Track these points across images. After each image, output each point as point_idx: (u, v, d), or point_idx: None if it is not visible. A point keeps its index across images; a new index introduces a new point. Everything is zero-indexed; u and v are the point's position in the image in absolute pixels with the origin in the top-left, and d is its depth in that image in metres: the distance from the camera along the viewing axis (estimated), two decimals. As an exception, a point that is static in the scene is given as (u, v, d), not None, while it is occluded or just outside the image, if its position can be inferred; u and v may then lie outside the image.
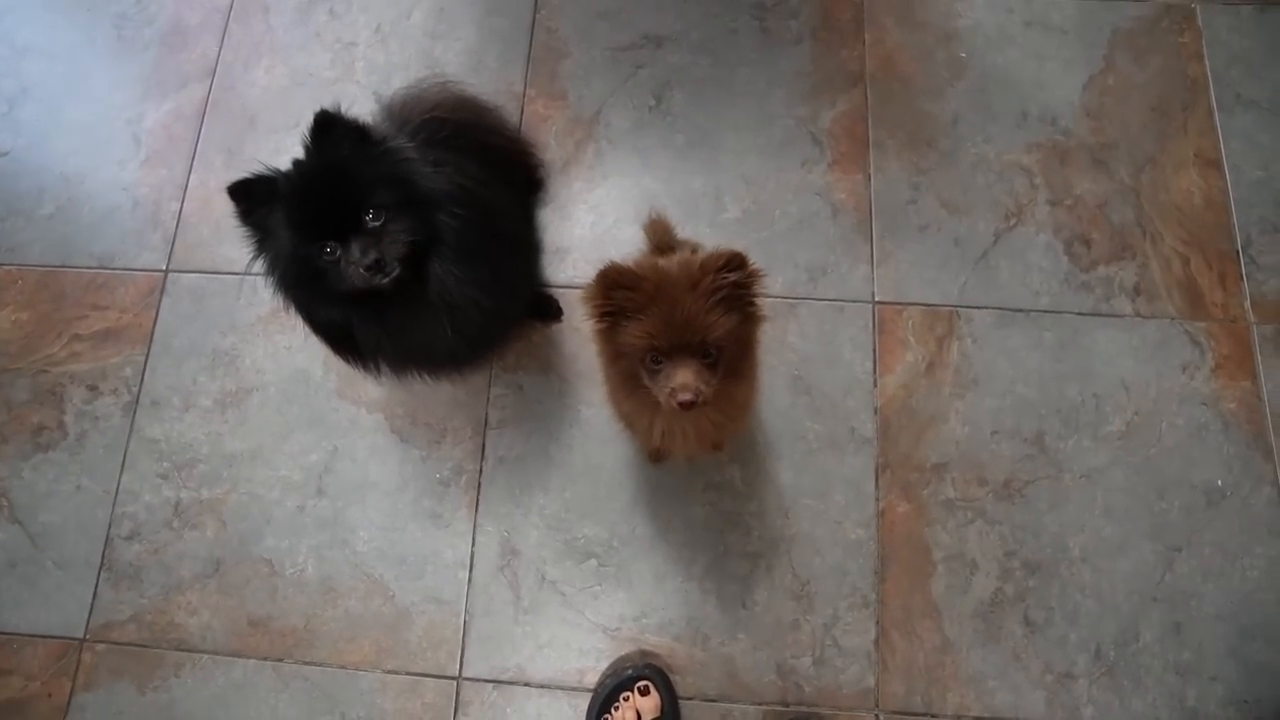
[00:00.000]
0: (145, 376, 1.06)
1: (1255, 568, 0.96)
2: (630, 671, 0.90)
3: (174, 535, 1.00)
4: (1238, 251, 1.07)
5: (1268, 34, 1.17)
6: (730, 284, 0.58)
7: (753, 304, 0.63)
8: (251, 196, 0.67)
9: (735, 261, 0.59)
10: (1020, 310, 1.06)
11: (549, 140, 1.14)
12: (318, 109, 0.68)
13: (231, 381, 1.06)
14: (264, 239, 0.70)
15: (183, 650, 0.96)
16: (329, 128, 0.68)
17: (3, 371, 1.06)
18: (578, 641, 0.95)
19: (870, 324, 1.06)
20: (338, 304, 0.71)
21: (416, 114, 0.82)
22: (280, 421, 1.04)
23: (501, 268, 0.79)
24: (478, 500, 1.00)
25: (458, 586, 0.97)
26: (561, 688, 0.93)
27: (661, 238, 0.90)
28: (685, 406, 0.59)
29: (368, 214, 0.66)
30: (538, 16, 1.20)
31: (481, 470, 1.02)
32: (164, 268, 1.10)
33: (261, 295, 1.08)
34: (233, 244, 1.10)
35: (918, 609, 0.96)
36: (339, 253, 0.66)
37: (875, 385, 1.04)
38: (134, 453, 1.03)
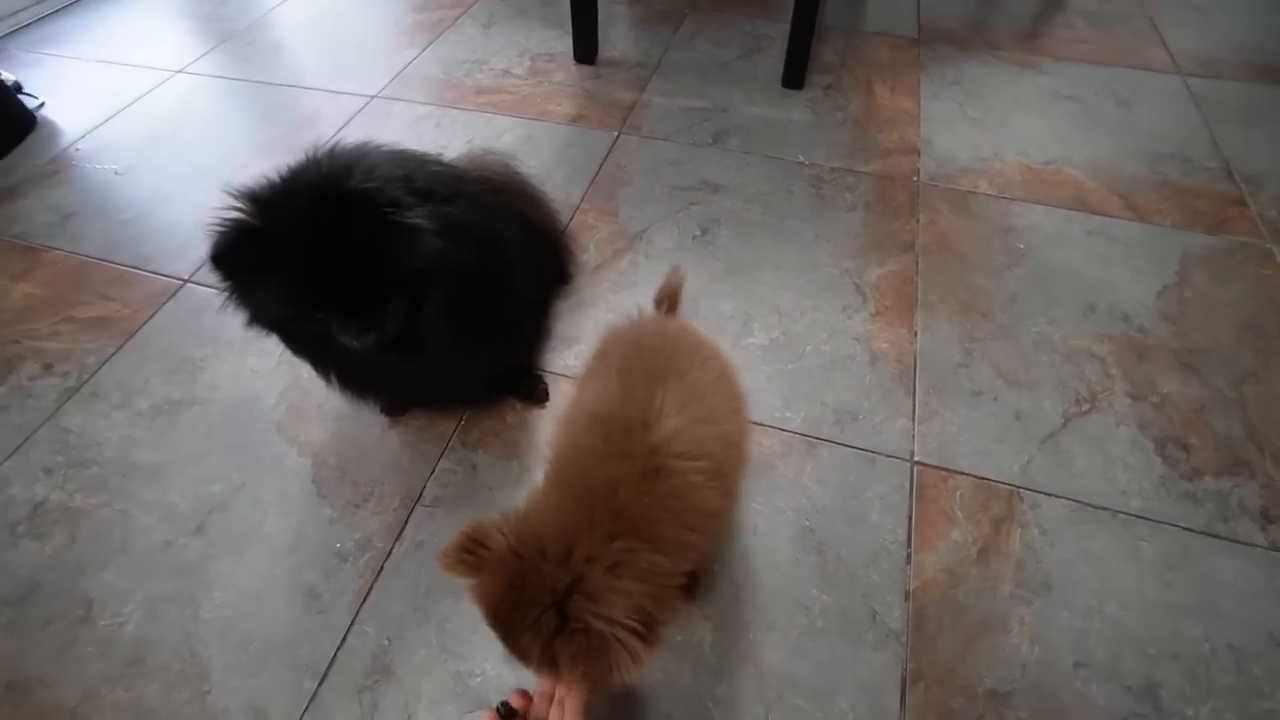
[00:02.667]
0: (103, 368, 0.92)
1: None
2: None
3: (9, 540, 0.76)
4: (1402, 497, 0.78)
5: (1368, 279, 1.01)
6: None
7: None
8: (234, 258, 0.57)
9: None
10: (1104, 508, 0.78)
11: (589, 244, 1.08)
12: (330, 159, 0.59)
13: (180, 391, 0.90)
14: (242, 290, 0.60)
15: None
16: (343, 201, 0.56)
17: (-18, 335, 0.97)
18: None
19: (907, 485, 0.80)
20: (326, 335, 0.61)
21: (471, 169, 0.80)
22: (202, 442, 0.85)
23: (486, 333, 0.72)
24: (371, 588, 0.73)
25: (295, 701, 0.65)
26: None
27: (673, 291, 0.78)
28: None
29: (375, 293, 0.58)
30: (611, 154, 1.24)
31: (390, 553, 0.75)
32: (185, 278, 1.04)
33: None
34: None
35: None
36: (334, 324, 0.59)
37: (909, 561, 0.74)
38: (38, 439, 0.85)
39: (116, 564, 0.74)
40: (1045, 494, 0.79)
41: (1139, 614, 0.70)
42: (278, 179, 0.58)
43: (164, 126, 1.35)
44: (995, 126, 1.30)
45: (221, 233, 0.55)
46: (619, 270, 1.04)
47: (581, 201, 1.14)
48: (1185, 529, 0.76)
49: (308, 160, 0.59)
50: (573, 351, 0.94)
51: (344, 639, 0.69)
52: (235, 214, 0.56)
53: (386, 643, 0.69)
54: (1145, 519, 0.77)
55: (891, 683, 0.66)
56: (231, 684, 0.66)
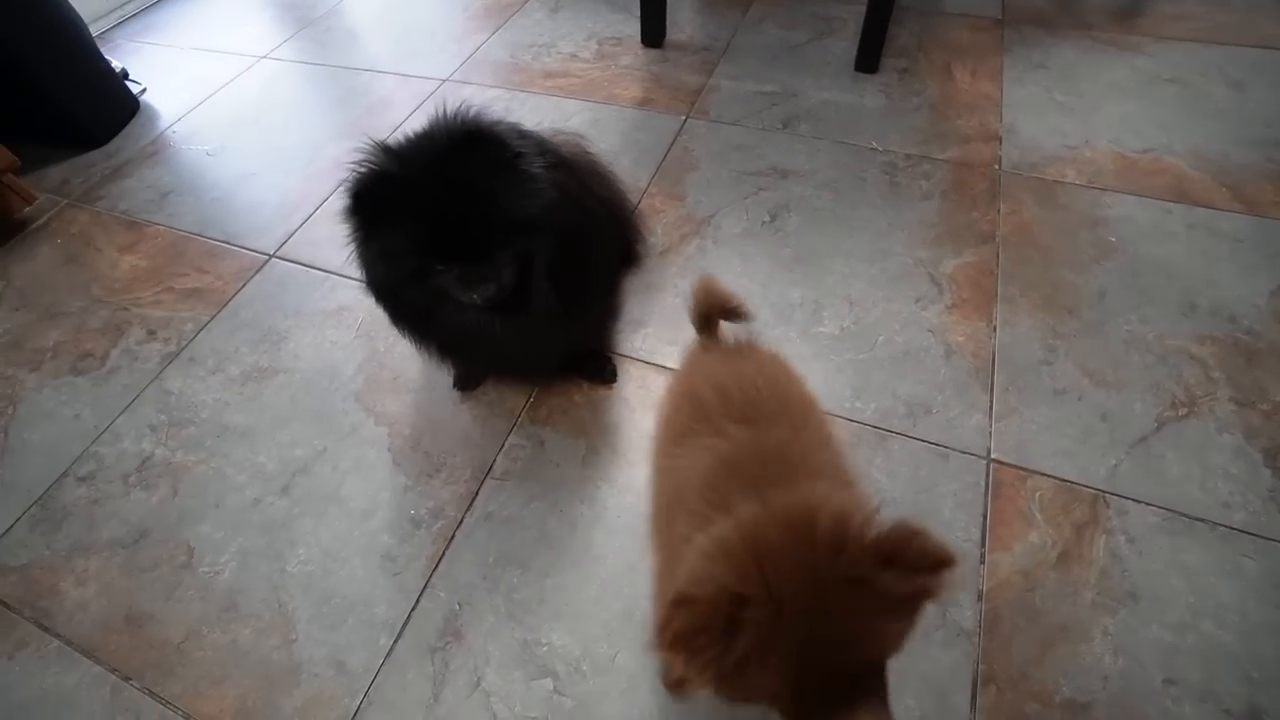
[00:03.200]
0: (199, 335, 0.99)
1: None
2: None
3: (122, 490, 0.83)
4: None
5: None
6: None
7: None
8: (372, 201, 0.59)
9: (934, 559, 0.33)
10: (1202, 520, 0.74)
11: (656, 228, 1.08)
12: (462, 112, 0.61)
13: (267, 359, 0.95)
14: (370, 238, 0.62)
15: (38, 625, 0.72)
16: (475, 144, 0.59)
17: (97, 301, 1.05)
18: (485, 796, 0.61)
19: (983, 483, 0.78)
20: (431, 302, 0.65)
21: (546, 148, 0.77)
22: (288, 408, 0.90)
23: (584, 290, 0.74)
24: (443, 554, 0.76)
25: (372, 655, 0.69)
26: None
27: (712, 302, 0.63)
28: None
29: (493, 242, 0.60)
30: (679, 138, 1.23)
31: (462, 522, 0.78)
32: (270, 253, 1.10)
33: (338, 293, 1.04)
34: (337, 248, 1.10)
35: None
36: (454, 272, 0.60)
37: (982, 560, 0.72)
38: (145, 398, 0.92)
39: (213, 517, 0.80)
40: (1134, 500, 0.75)
41: (1240, 634, 0.66)
42: (411, 135, 0.61)
43: (250, 110, 1.43)
44: (1086, 112, 1.22)
45: (361, 176, 0.58)
46: (686, 255, 1.04)
47: (649, 185, 1.14)
48: (1294, 546, 0.71)
49: (436, 118, 0.62)
50: (640, 334, 0.95)
51: (417, 601, 0.72)
52: (371, 164, 0.59)
53: (457, 608, 0.71)
54: (1250, 534, 0.72)
55: (962, 683, 0.64)
56: (315, 636, 0.70)
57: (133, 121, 1.42)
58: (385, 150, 0.60)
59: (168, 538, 0.78)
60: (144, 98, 1.49)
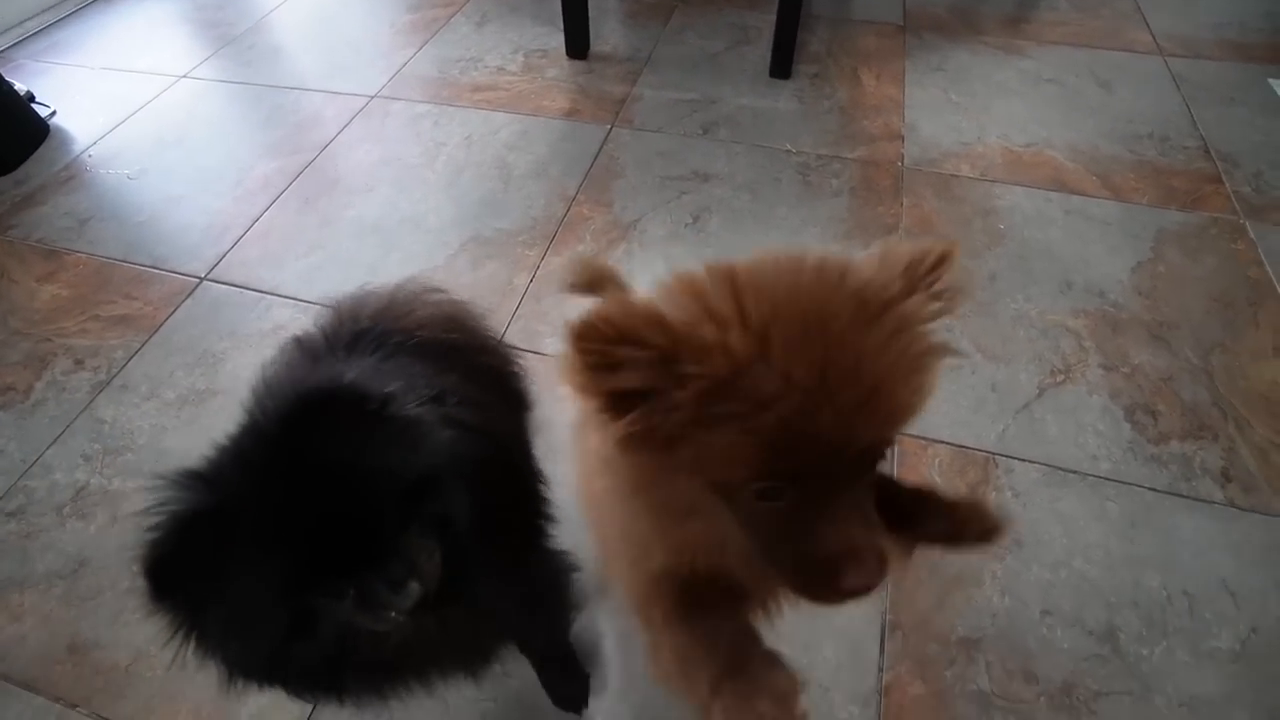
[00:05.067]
0: (131, 361, 0.99)
1: None
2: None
3: (56, 522, 0.83)
4: (1355, 454, 0.84)
5: (1335, 250, 1.07)
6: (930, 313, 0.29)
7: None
8: (186, 565, 0.39)
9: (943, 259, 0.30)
10: (1074, 472, 0.85)
11: (585, 235, 1.14)
12: (305, 392, 0.42)
13: (204, 381, 0.97)
14: (203, 617, 0.41)
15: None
16: (320, 414, 0.41)
17: (17, 333, 1.04)
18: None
19: (889, 454, 0.87)
20: (337, 650, 0.42)
21: (397, 325, 0.60)
22: (229, 429, 0.92)
23: (522, 535, 0.55)
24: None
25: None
26: None
27: (593, 277, 0.57)
28: (860, 592, 0.27)
29: (398, 534, 0.41)
30: (605, 147, 1.30)
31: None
32: (202, 275, 1.11)
33: (274, 313, 1.06)
34: (270, 268, 1.12)
35: None
36: (351, 595, 0.40)
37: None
38: (75, 429, 0.92)
39: (154, 541, 0.81)
40: (1019, 459, 0.86)
41: (1103, 567, 0.77)
42: (227, 439, 0.43)
43: (172, 131, 1.42)
44: (978, 111, 1.35)
45: (157, 538, 0.38)
46: (614, 258, 1.10)
47: (577, 194, 1.21)
48: (1150, 489, 0.83)
49: (260, 398, 0.47)
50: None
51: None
52: (172, 509, 0.38)
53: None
54: (1113, 480, 0.83)
55: (872, 633, 0.73)
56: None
57: (43, 146, 1.39)
58: (189, 479, 0.40)
59: (110, 564, 0.80)
60: (54, 121, 1.45)
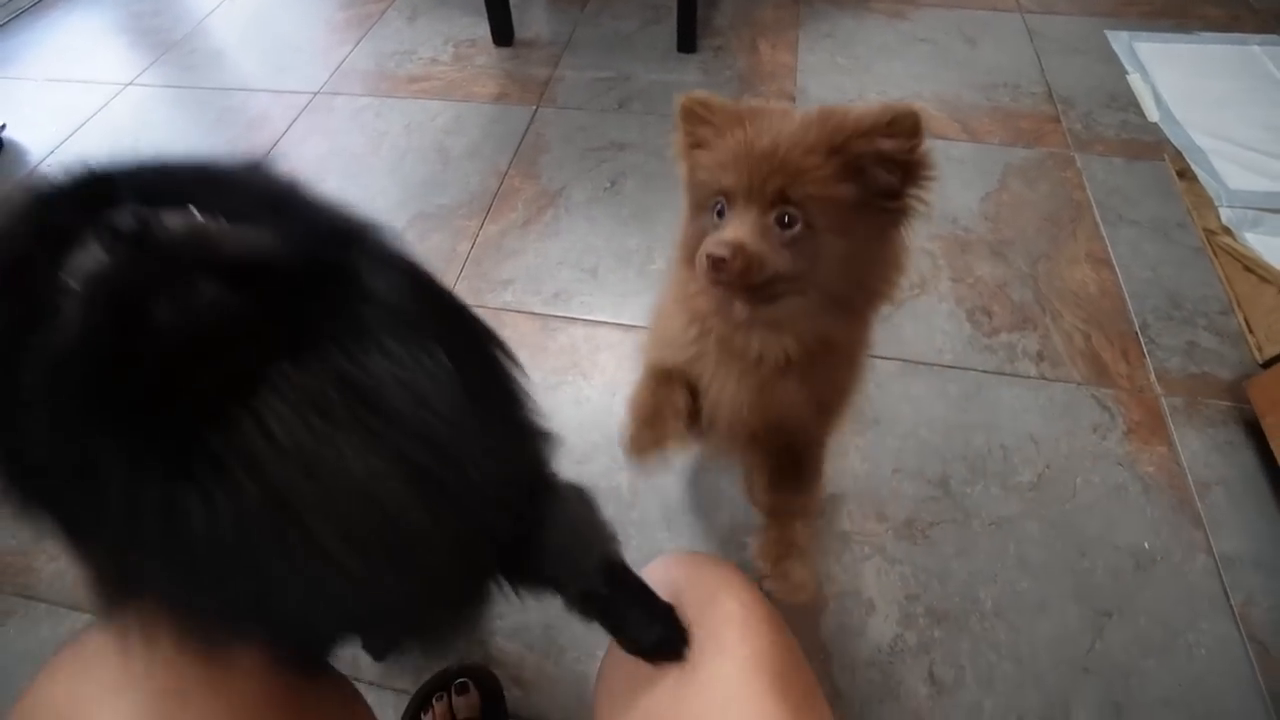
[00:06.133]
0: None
1: (1203, 645, 0.79)
2: (451, 667, 0.77)
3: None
4: (1136, 332, 1.06)
5: (1136, 178, 1.28)
6: (874, 151, 0.38)
7: (902, 196, 0.40)
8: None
9: (900, 124, 0.38)
10: (923, 363, 1.05)
11: (518, 205, 1.30)
12: None
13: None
14: None
15: (22, 596, 0.88)
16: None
17: None
18: (424, 632, 0.83)
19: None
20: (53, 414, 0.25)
21: None
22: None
23: (479, 373, 0.35)
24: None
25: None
26: (388, 687, 0.79)
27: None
28: (714, 265, 0.38)
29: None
30: (532, 125, 1.44)
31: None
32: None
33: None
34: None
35: (804, 647, 0.80)
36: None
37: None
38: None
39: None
40: (881, 357, 1.05)
41: (941, 434, 0.97)
42: None
43: (125, 137, 1.51)
44: (861, 72, 1.53)
45: None
46: (544, 223, 1.26)
47: (508, 169, 1.36)
48: (981, 371, 1.03)
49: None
50: (509, 290, 1.17)
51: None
52: None
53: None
54: (953, 367, 1.04)
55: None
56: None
57: None
58: None
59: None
60: (5, 135, 1.53)
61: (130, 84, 1.65)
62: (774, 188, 0.38)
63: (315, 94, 1.57)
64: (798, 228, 0.39)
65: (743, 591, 0.43)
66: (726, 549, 0.88)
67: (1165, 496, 0.90)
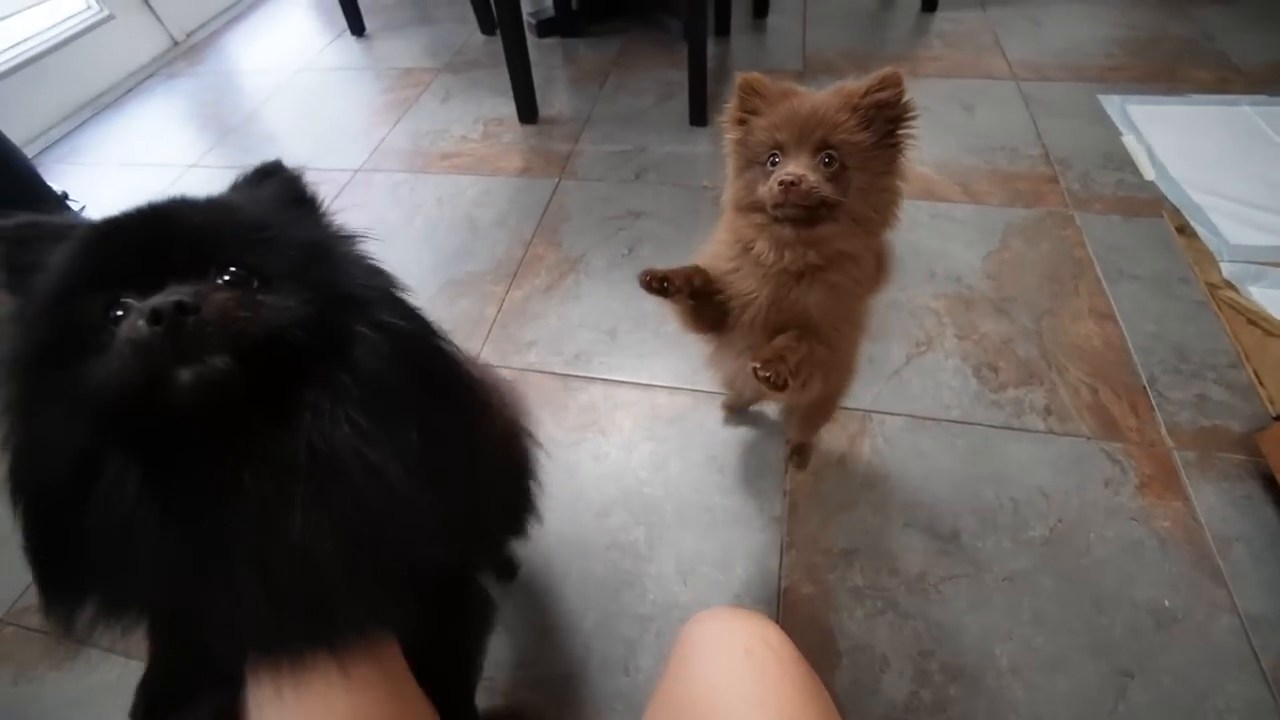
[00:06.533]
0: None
1: (1233, 710, 0.77)
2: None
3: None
4: (1144, 385, 1.08)
5: (1135, 234, 1.32)
6: (874, 103, 0.54)
7: (897, 134, 0.56)
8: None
9: (887, 81, 0.54)
10: (931, 419, 1.07)
11: (541, 271, 1.38)
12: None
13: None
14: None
15: (75, 642, 0.93)
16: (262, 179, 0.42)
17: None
18: (448, 685, 0.85)
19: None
20: (85, 421, 0.33)
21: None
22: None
23: (449, 449, 0.38)
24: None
25: None
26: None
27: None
28: (784, 192, 0.52)
29: (218, 268, 0.35)
30: (554, 197, 1.55)
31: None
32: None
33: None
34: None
35: (818, 703, 0.81)
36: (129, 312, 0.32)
37: (787, 471, 1.03)
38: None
39: None
40: (889, 414, 1.08)
41: (950, 488, 0.99)
42: None
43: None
44: (863, 139, 1.62)
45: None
46: (565, 288, 1.34)
47: (533, 238, 1.45)
48: (989, 426, 1.05)
49: None
50: (533, 351, 1.23)
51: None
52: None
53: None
54: (960, 422, 1.06)
55: (773, 551, 0.94)
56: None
57: (78, 236, 1.63)
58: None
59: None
60: (84, 214, 1.70)
61: (193, 165, 1.82)
62: (818, 137, 0.53)
63: (356, 171, 1.70)
64: (836, 166, 0.54)
65: (775, 642, 0.44)
66: (742, 601, 0.90)
67: (1183, 552, 0.89)
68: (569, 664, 0.86)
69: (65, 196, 1.68)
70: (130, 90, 2.15)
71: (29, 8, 1.94)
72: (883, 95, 0.54)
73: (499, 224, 1.49)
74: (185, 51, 2.34)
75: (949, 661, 0.83)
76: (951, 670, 0.82)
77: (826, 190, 0.53)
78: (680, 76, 1.69)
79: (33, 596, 0.96)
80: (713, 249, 0.67)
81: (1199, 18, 1.92)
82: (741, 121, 0.59)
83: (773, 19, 2.13)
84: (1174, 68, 1.72)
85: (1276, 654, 0.80)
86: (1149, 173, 1.43)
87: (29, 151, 1.91)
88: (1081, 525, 0.93)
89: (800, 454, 1.02)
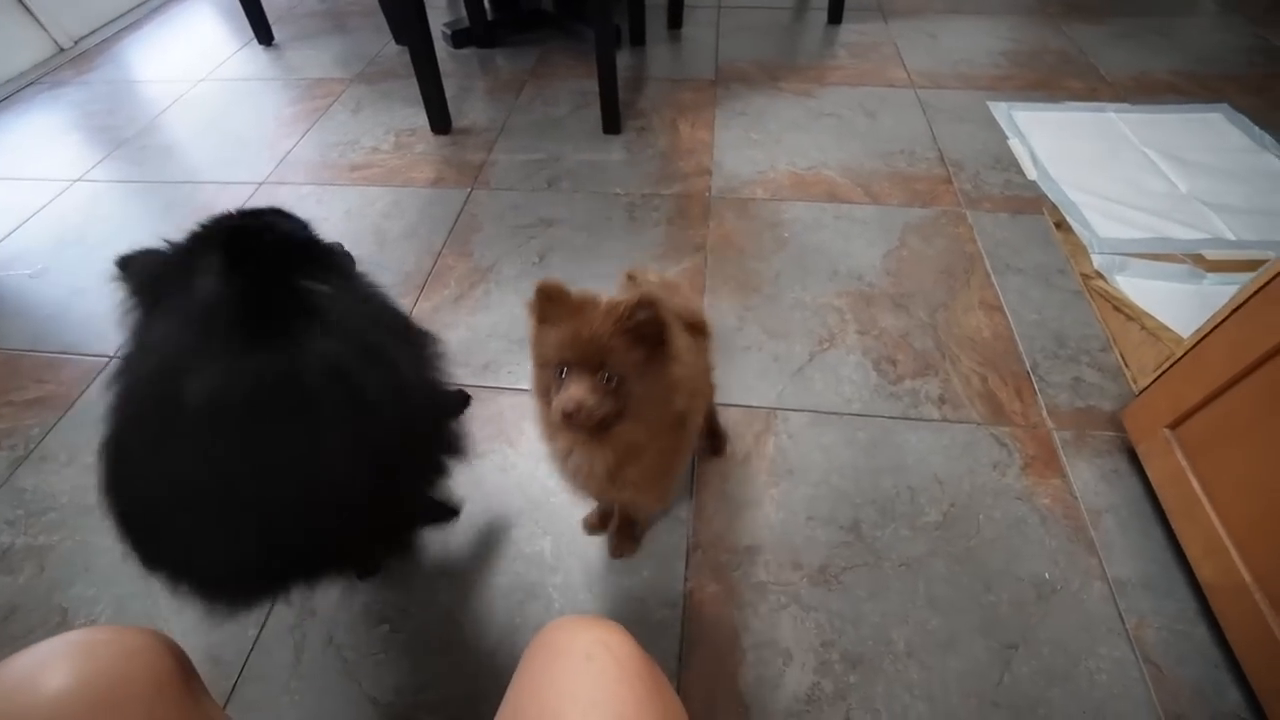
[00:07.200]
0: (48, 436, 1.12)
1: (1103, 670, 0.81)
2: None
3: (-11, 578, 0.95)
4: (1028, 371, 1.13)
5: (1019, 229, 1.39)
6: (636, 322, 0.57)
7: (661, 344, 0.60)
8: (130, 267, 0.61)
9: (642, 305, 0.57)
10: (834, 413, 1.10)
11: (450, 281, 1.35)
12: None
13: (117, 443, 1.11)
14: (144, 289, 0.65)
15: None
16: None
17: (-68, 429, 1.14)
18: (345, 716, 0.81)
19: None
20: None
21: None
22: (143, 479, 1.06)
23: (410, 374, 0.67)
24: (293, 560, 0.95)
25: (241, 645, 0.87)
26: (319, 768, 0.77)
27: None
28: (566, 419, 0.57)
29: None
30: (466, 207, 1.52)
31: (308, 533, 0.98)
32: (111, 354, 1.25)
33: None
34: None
35: (723, 701, 0.81)
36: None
37: (693, 471, 1.03)
38: (-1, 500, 1.04)
39: (84, 579, 0.94)
40: (793, 410, 1.10)
41: (852, 480, 1.01)
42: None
43: (71, 231, 1.54)
44: (772, 145, 1.66)
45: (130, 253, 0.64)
46: (475, 298, 1.31)
47: (443, 249, 1.42)
48: (888, 418, 1.09)
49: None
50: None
51: (270, 607, 0.91)
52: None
53: (309, 590, 0.91)
54: (861, 415, 1.09)
55: (679, 552, 0.94)
56: (191, 642, 0.87)
57: (-57, 259, 1.49)
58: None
59: (39, 606, 0.92)
60: (-42, 236, 1.55)
61: (79, 179, 1.70)
62: (597, 360, 0.58)
63: (260, 184, 1.63)
64: (614, 382, 0.59)
65: (616, 645, 0.44)
66: (646, 604, 0.89)
67: (1061, 527, 0.94)
68: (471, 683, 0.83)
69: (-72, 216, 1.53)
70: (5, 99, 2.00)
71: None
72: (641, 318, 0.57)
73: (408, 235, 1.45)
74: (73, 59, 2.19)
75: (849, 650, 0.84)
76: (851, 658, 0.84)
77: (605, 409, 0.59)
78: (594, 86, 1.69)
79: None
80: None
81: (1074, 34, 2.06)
82: (541, 320, 0.62)
83: (687, 30, 2.17)
84: (1052, 78, 1.85)
85: (1139, 615, 0.85)
86: (1031, 173, 1.52)
87: (-113, 169, 1.75)
88: (971, 508, 0.97)
89: (715, 442, 1.05)
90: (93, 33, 2.31)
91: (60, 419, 1.14)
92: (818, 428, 1.08)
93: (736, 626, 0.87)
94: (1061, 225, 1.38)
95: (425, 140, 1.73)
